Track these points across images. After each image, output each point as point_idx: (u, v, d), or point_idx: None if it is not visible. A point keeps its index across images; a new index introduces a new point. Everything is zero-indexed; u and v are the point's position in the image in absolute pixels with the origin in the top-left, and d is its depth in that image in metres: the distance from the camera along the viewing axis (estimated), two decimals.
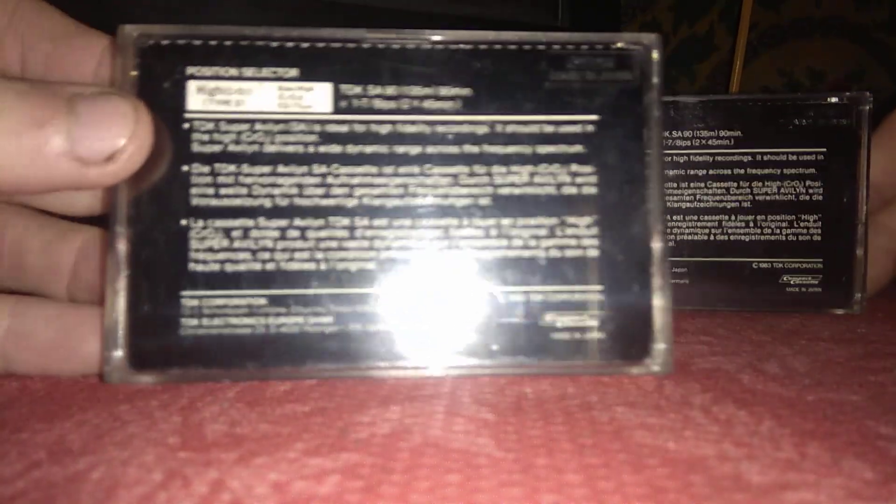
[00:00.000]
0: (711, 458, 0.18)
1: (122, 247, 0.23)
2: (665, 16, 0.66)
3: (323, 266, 0.24)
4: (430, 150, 0.25)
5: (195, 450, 0.19)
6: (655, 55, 0.26)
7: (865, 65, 0.60)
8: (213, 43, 0.24)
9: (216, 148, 0.24)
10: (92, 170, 0.22)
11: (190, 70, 0.24)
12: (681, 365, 0.28)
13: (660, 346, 0.25)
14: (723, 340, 0.33)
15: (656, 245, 0.25)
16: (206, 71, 0.24)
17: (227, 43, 0.24)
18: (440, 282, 0.25)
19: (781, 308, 0.39)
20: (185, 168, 0.24)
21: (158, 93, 0.24)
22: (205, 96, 0.24)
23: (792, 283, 0.39)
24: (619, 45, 0.25)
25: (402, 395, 0.23)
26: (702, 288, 0.40)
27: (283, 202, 0.24)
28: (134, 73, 0.24)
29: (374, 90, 0.25)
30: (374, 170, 0.24)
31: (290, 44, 0.24)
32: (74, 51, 0.26)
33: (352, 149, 0.24)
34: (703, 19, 0.64)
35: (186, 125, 0.24)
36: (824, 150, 0.38)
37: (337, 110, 0.24)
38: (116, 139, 0.22)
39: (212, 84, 0.24)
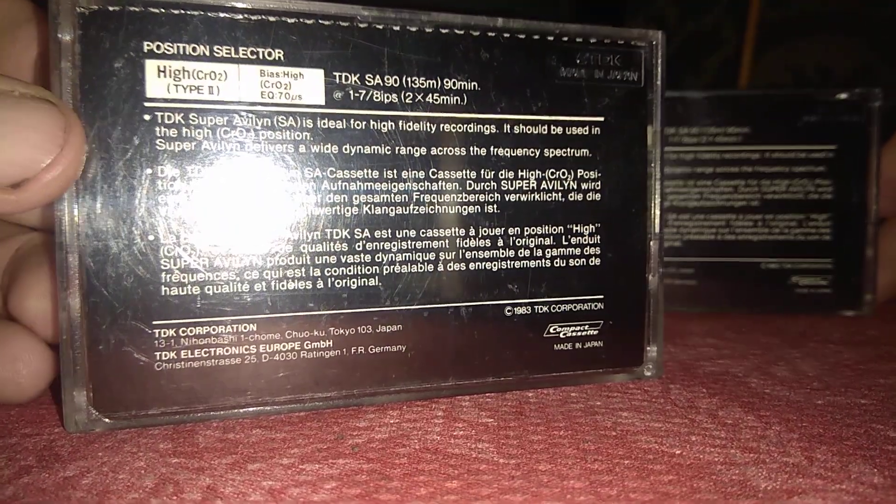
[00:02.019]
0: (718, 464, 0.18)
1: (73, 262, 0.19)
2: (671, 9, 0.65)
3: (320, 284, 0.21)
4: (435, 151, 0.22)
5: (187, 455, 0.18)
6: (661, 54, 0.25)
7: (874, 61, 0.59)
8: (176, 12, 0.20)
9: (188, 146, 0.20)
10: None
11: (148, 46, 0.19)
12: (687, 368, 0.27)
13: (652, 352, 0.25)
14: (730, 343, 0.32)
15: (653, 250, 0.25)
16: (169, 48, 0.19)
17: (195, 13, 0.20)
18: (446, 298, 0.23)
19: (790, 309, 0.39)
20: (148, 170, 0.19)
21: (108, 75, 0.19)
22: (168, 80, 0.20)
23: (801, 283, 0.38)
24: (626, 41, 0.24)
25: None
26: (709, 289, 0.39)
27: (272, 212, 0.21)
28: (75, 48, 0.19)
29: (371, 80, 0.21)
30: (374, 174, 0.22)
31: (272, 18, 0.20)
32: (17, 41, 0.22)
33: (349, 149, 0.21)
34: (710, 13, 0.64)
35: (148, 116, 0.19)
36: (834, 147, 0.38)
37: (330, 103, 0.21)
38: (30, 163, 0.17)
39: (176, 65, 0.20)
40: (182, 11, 0.20)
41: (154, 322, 0.20)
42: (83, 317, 0.19)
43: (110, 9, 0.19)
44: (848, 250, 0.38)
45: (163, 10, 0.19)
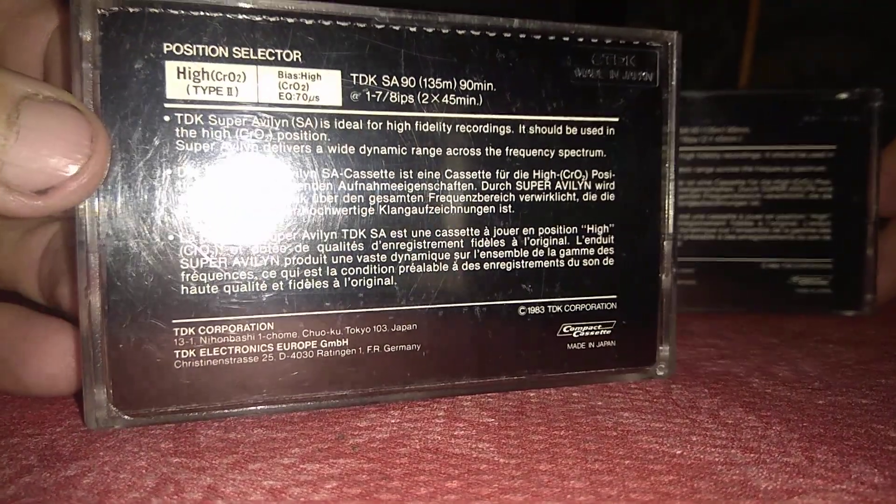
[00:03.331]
0: (718, 464, 0.18)
1: (94, 261, 0.19)
2: (671, 9, 0.65)
3: (336, 284, 0.22)
4: (451, 152, 0.22)
5: (188, 455, 0.18)
6: (676, 55, 0.25)
7: (874, 61, 0.59)
8: (195, 13, 0.20)
9: (207, 147, 0.20)
10: (13, 199, 0.17)
11: (167, 47, 0.19)
12: (688, 368, 0.27)
13: (665, 351, 0.25)
14: (731, 343, 0.32)
15: (666, 250, 0.25)
16: (188, 49, 0.20)
17: (214, 14, 0.20)
18: (461, 297, 0.23)
19: (790, 309, 0.38)
20: (168, 171, 0.20)
21: (128, 76, 0.19)
22: (188, 82, 0.20)
23: (801, 283, 0.38)
24: (641, 42, 0.24)
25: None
26: (709, 289, 0.39)
27: (289, 212, 0.21)
28: (95, 48, 0.19)
29: (388, 81, 0.22)
30: (390, 175, 0.22)
31: (290, 19, 0.20)
32: (29, 30, 0.22)
33: (366, 150, 0.21)
34: (711, 13, 0.64)
35: (167, 118, 0.20)
36: (834, 147, 0.38)
37: (347, 104, 0.21)
38: (57, 171, 0.17)
39: (195, 66, 0.20)
40: (201, 13, 0.20)
41: (173, 320, 0.20)
42: (104, 315, 0.19)
43: (130, 10, 0.19)
44: (848, 250, 0.38)
45: (182, 12, 0.20)
